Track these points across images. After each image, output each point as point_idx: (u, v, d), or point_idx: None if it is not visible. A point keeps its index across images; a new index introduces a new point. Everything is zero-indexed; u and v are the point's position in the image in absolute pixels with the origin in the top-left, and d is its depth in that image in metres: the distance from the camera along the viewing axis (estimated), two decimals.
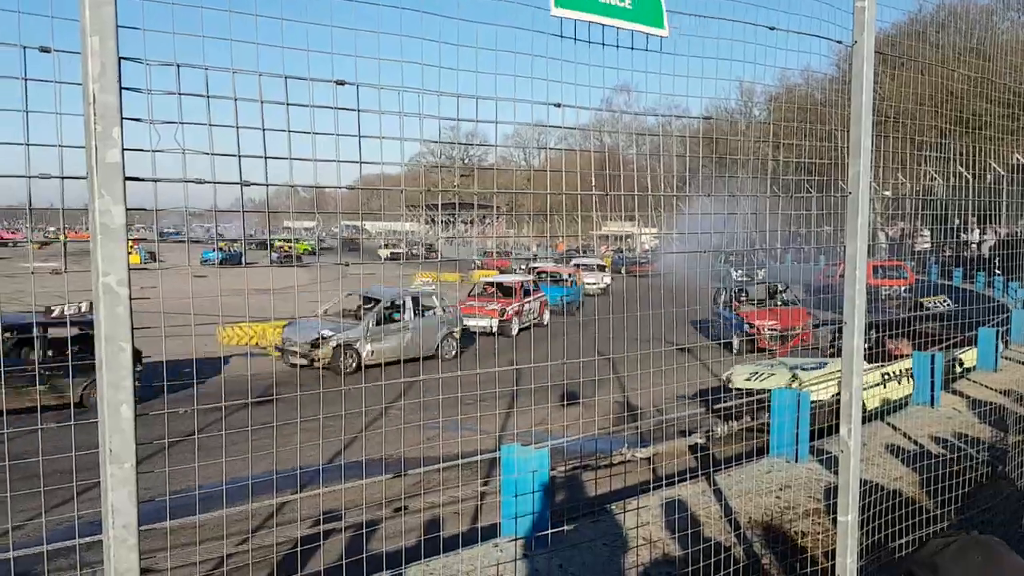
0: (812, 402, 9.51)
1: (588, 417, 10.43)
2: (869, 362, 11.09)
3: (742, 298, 20.96)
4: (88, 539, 5.61)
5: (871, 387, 10.59)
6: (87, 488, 6.78)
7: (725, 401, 10.97)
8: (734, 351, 17.07)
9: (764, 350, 16.67)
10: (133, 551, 2.02)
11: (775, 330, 17.89)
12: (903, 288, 20.43)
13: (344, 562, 4.71)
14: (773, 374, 11.45)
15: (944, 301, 17.45)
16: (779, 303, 19.66)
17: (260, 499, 6.52)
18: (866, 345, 11.49)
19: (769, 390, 10.42)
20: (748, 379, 11.55)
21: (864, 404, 8.42)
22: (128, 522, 2.02)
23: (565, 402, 11.78)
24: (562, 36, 3.37)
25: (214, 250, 42.09)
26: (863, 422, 7.15)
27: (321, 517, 6.22)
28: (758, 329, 18.11)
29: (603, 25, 2.96)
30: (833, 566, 5.31)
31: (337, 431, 8.61)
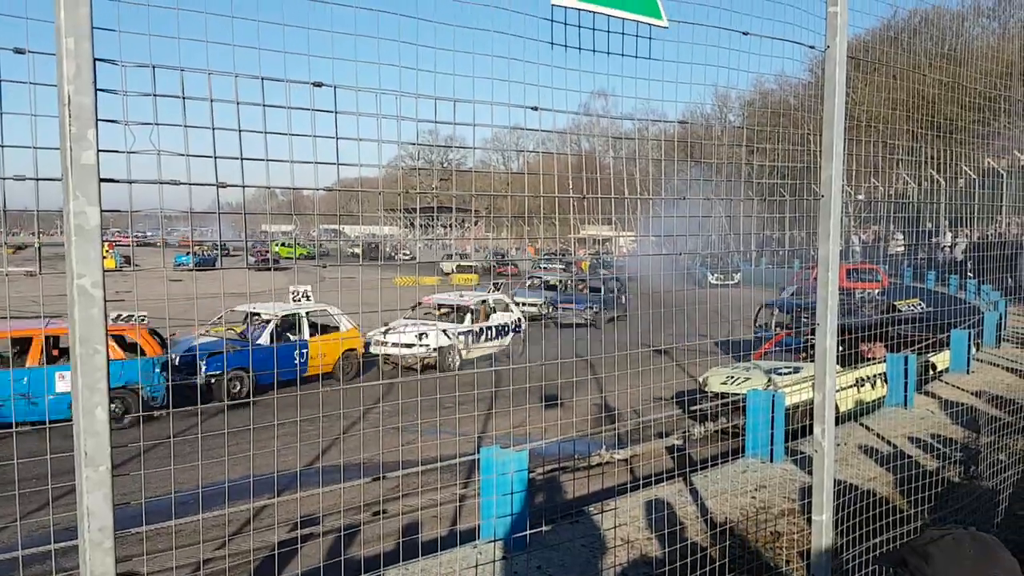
0: (787, 406, 9.58)
1: (567, 420, 10.46)
2: (843, 365, 11.16)
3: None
4: (64, 544, 5.56)
5: (843, 389, 10.67)
6: (64, 493, 6.72)
7: (701, 404, 11.02)
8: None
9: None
10: (109, 554, 2.01)
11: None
12: (877, 291, 20.47)
13: (322, 565, 4.70)
14: (749, 378, 11.52)
15: (918, 304, 17.57)
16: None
17: (237, 504, 6.48)
18: (839, 348, 11.62)
19: (744, 393, 10.51)
20: (724, 382, 11.62)
21: (837, 405, 8.49)
22: (104, 525, 2.01)
23: (543, 403, 11.81)
24: (539, 40, 3.40)
25: (188, 254, 41.85)
26: (837, 423, 7.23)
27: (299, 521, 6.20)
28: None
29: (604, 15, 2.96)
30: (808, 565, 5.37)
31: (315, 436, 8.58)
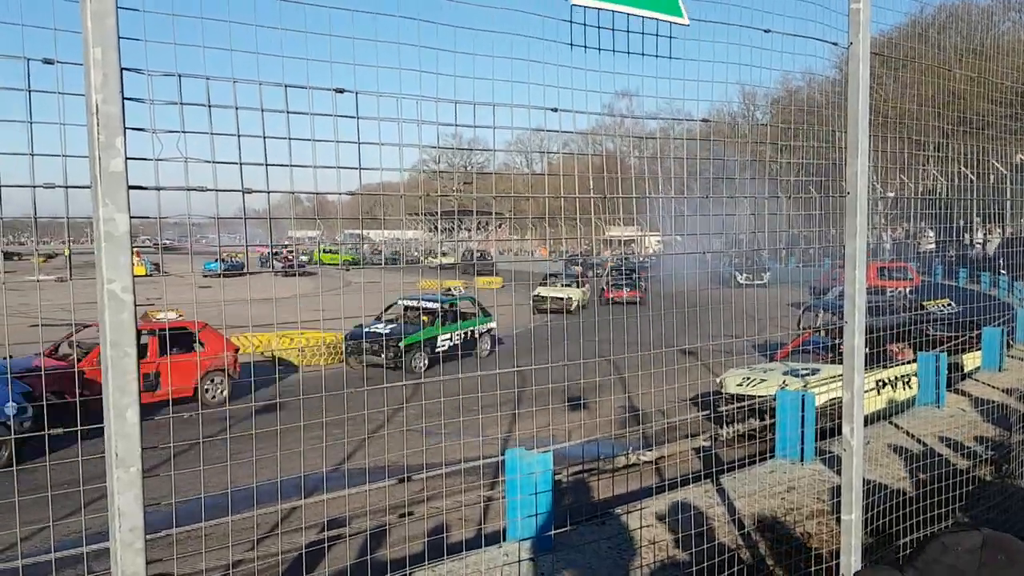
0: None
1: (592, 421, 10.44)
2: (868, 366, 10.95)
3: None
4: (95, 547, 5.65)
5: (865, 392, 10.47)
6: (97, 498, 6.81)
7: (717, 406, 10.94)
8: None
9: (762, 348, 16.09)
10: (140, 555, 2.05)
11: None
12: (907, 289, 19.98)
13: (348, 565, 4.74)
14: (765, 379, 11.36)
15: (948, 305, 17.29)
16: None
17: (266, 506, 6.54)
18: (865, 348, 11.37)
19: (760, 396, 10.44)
20: (740, 384, 11.48)
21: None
22: (135, 525, 2.04)
23: (567, 404, 11.80)
24: (559, 41, 3.41)
25: (216, 260, 42.17)
26: (864, 424, 7.16)
27: (326, 523, 6.24)
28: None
29: (623, 14, 2.96)
30: (838, 565, 5.32)
31: (341, 438, 8.63)
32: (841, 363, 10.15)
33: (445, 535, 6.27)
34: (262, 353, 19.75)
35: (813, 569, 5.28)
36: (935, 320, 14.15)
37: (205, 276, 41.97)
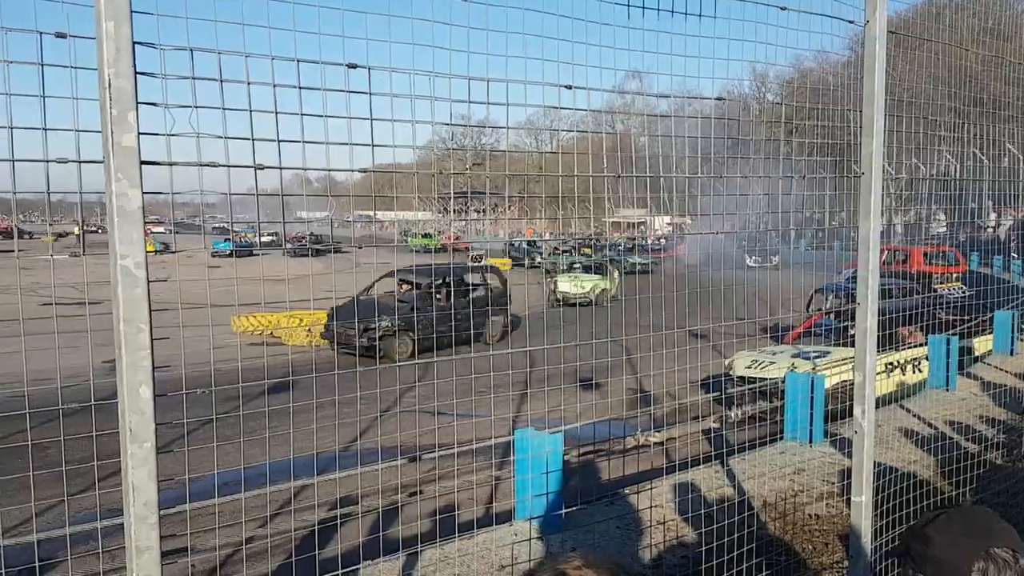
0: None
1: (602, 403, 10.45)
2: (879, 349, 10.88)
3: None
4: (106, 522, 5.69)
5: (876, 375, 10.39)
6: (111, 473, 6.87)
7: (726, 389, 10.93)
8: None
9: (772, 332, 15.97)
10: (154, 529, 2.06)
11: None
12: (954, 276, 18.89)
13: (361, 542, 4.77)
14: (774, 362, 11.33)
15: (959, 287, 17.15)
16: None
17: (277, 483, 6.59)
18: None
19: (769, 378, 10.42)
20: (749, 367, 11.45)
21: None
22: (148, 500, 2.05)
23: (578, 385, 11.81)
24: (573, 17, 3.38)
25: (226, 240, 42.08)
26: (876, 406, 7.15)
27: (338, 499, 6.28)
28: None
29: None
30: (846, 547, 5.33)
31: (351, 417, 8.67)
32: (850, 346, 10.21)
33: (456, 513, 6.30)
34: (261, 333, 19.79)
35: (823, 551, 5.29)
36: (946, 303, 14.05)
37: (213, 255, 41.98)
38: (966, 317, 12.44)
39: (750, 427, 9.92)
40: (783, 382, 9.78)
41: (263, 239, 43.11)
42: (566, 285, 26.10)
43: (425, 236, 41.49)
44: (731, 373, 11.52)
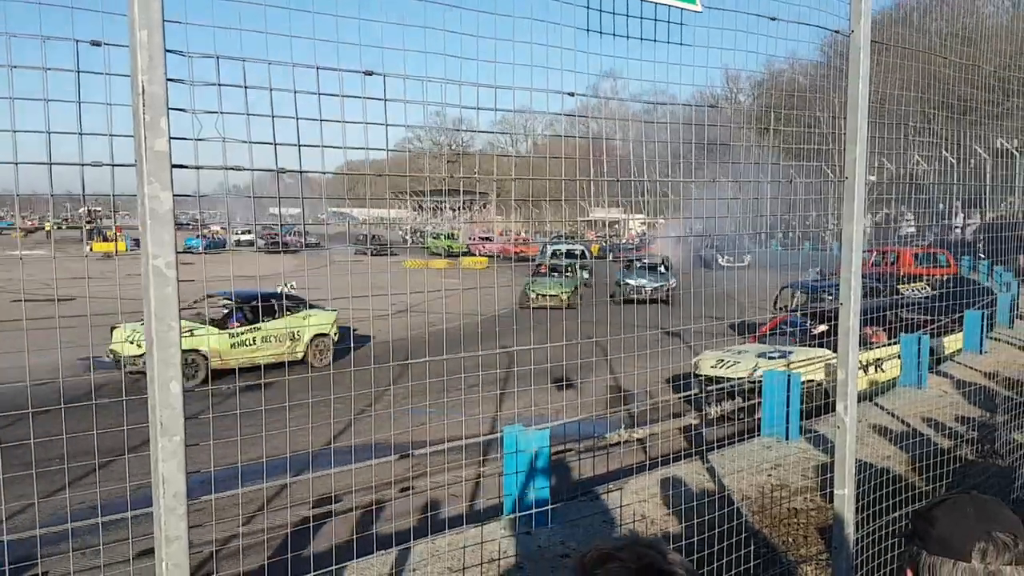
0: None
1: (579, 402, 10.58)
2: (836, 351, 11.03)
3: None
4: (83, 522, 5.70)
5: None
6: (84, 474, 6.85)
7: (693, 387, 11.11)
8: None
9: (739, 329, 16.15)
10: (183, 520, 2.13)
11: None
12: (946, 278, 18.61)
13: (355, 538, 4.85)
14: (739, 361, 11.43)
15: (923, 288, 17.41)
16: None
17: (255, 482, 6.62)
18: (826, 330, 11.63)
19: (733, 377, 10.62)
20: (715, 366, 11.54)
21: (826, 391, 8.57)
22: (177, 491, 2.13)
23: (551, 384, 11.91)
24: (563, 24, 3.47)
25: (197, 237, 41.63)
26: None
27: (333, 494, 6.34)
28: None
29: (642, 0, 3.03)
30: (826, 540, 5.49)
31: (328, 416, 8.69)
32: (815, 347, 10.35)
33: (446, 509, 6.39)
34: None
35: (802, 544, 5.45)
36: (910, 304, 14.31)
37: (185, 252, 41.37)
38: (930, 318, 12.71)
39: (728, 424, 10.11)
40: (748, 381, 10.09)
41: (244, 236, 42.46)
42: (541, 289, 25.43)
43: (449, 237, 38.84)
44: (697, 372, 11.61)
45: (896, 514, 5.49)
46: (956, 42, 10.49)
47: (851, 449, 4.02)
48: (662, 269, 26.20)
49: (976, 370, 10.72)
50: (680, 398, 11.27)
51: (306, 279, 20.63)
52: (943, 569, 1.67)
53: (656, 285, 24.39)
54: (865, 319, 12.09)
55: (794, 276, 18.24)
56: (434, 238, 37.35)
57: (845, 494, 3.98)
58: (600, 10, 3.53)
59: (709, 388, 10.57)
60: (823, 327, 12.81)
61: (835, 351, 10.84)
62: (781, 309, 17.08)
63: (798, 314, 15.87)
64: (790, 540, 5.69)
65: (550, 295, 25.13)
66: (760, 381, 10.29)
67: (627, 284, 24.90)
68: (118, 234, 46.97)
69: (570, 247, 30.66)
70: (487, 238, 43.83)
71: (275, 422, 5.72)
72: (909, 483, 6.02)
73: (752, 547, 5.26)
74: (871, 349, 11.26)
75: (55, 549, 6.35)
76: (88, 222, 48.04)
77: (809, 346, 11.93)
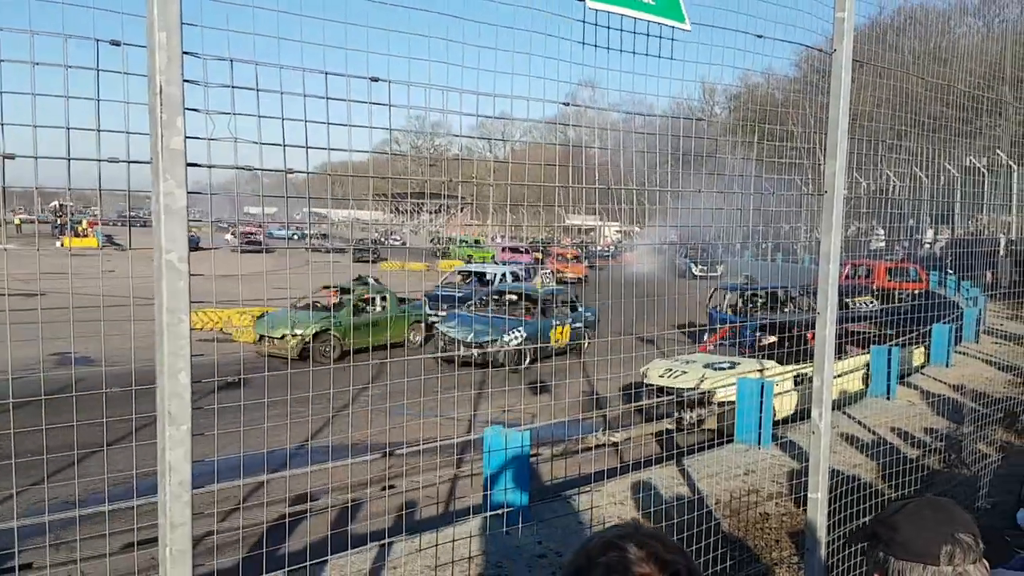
0: (722, 402, 9.99)
1: (556, 405, 10.68)
2: (787, 362, 11.28)
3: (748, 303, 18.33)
4: (58, 516, 5.72)
5: (783, 394, 10.54)
6: (60, 468, 6.83)
7: (641, 396, 11.23)
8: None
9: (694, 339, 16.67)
10: (187, 507, 2.20)
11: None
12: (917, 292, 18.82)
13: (329, 535, 4.90)
14: (686, 371, 11.53)
15: (870, 302, 17.68)
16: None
17: (231, 480, 6.64)
18: (774, 342, 11.83)
19: (679, 387, 10.80)
20: (663, 375, 11.64)
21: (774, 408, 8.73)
22: (183, 479, 2.19)
23: (524, 387, 12.02)
24: (561, 37, 3.58)
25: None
26: (787, 422, 7.49)
27: (309, 492, 6.38)
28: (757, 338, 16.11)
29: (633, 18, 3.13)
30: (796, 544, 5.62)
31: (306, 416, 8.72)
32: (763, 359, 10.48)
33: (421, 509, 6.45)
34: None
35: (773, 547, 5.57)
36: (857, 317, 14.57)
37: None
38: (876, 331, 12.98)
39: (700, 430, 10.27)
40: (692, 391, 10.34)
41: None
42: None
43: (475, 243, 35.98)
44: (647, 381, 11.69)
45: (864, 520, 5.64)
46: (929, 61, 10.76)
47: (825, 454, 4.14)
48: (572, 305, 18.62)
49: (943, 382, 10.96)
50: (666, 402, 11.41)
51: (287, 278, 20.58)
52: (913, 574, 1.77)
53: (517, 340, 15.55)
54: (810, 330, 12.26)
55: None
56: (460, 245, 34.94)
57: (819, 498, 4.11)
58: (583, 21, 3.65)
59: (659, 398, 10.69)
60: (772, 338, 13.24)
61: (780, 362, 11.06)
62: (714, 308, 18.62)
63: (728, 311, 17.76)
64: (762, 543, 5.82)
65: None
66: (707, 392, 10.58)
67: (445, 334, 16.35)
68: (91, 229, 46.45)
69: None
70: (517, 248, 34.56)
71: (252, 420, 5.75)
72: (878, 490, 6.19)
73: (724, 549, 5.39)
74: (810, 364, 11.16)
75: (31, 543, 6.35)
76: (59, 217, 47.47)
77: (758, 358, 12.26)
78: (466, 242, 36.98)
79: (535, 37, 3.49)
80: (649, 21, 3.19)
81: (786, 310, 17.62)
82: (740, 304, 18.34)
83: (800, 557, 5.42)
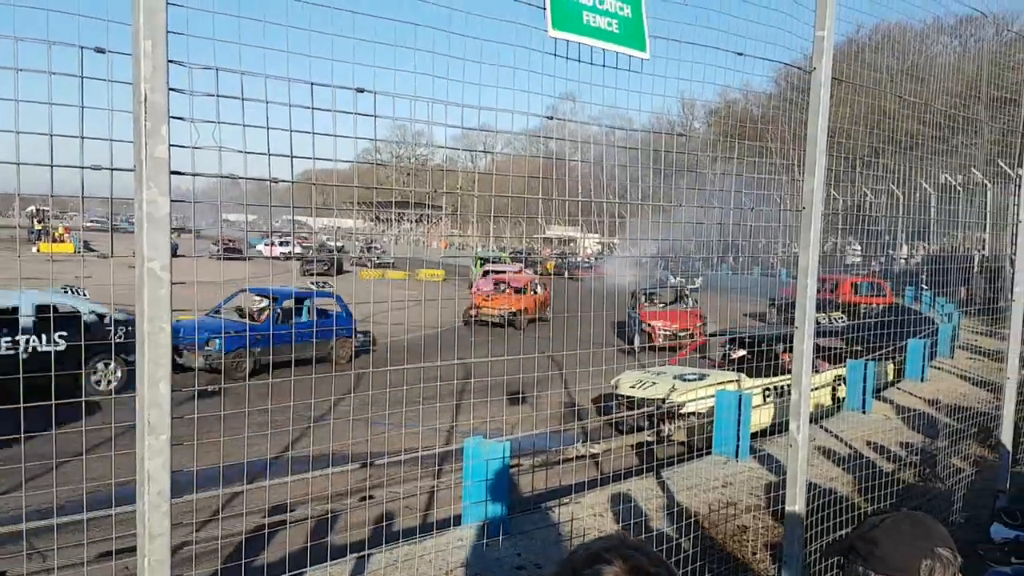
0: (691, 413, 10.21)
1: (532, 416, 10.68)
2: (756, 375, 11.41)
3: (653, 300, 22.35)
4: (37, 522, 5.64)
5: (758, 407, 10.57)
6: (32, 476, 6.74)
7: (612, 407, 11.34)
8: (636, 351, 17.49)
9: (664, 349, 18.09)
10: (166, 517, 2.18)
11: (668, 330, 20.26)
12: (882, 307, 19.20)
13: (309, 545, 4.87)
14: (656, 382, 11.61)
15: (839, 318, 17.93)
16: (685, 306, 21.43)
17: (207, 489, 6.59)
18: (747, 355, 12.04)
19: (649, 398, 10.90)
20: (633, 386, 11.70)
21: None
22: (162, 489, 2.18)
23: (506, 397, 11.99)
24: (541, 50, 3.61)
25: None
26: (763, 435, 7.56)
27: (289, 502, 6.34)
28: (653, 329, 20.30)
29: (592, 47, 3.18)
30: (772, 556, 5.65)
31: (284, 426, 8.66)
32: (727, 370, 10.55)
33: (401, 520, 6.43)
34: None
35: (750, 560, 5.60)
36: (827, 332, 14.75)
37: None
38: (844, 347, 13.16)
39: (679, 442, 10.31)
40: (663, 402, 10.43)
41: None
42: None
43: (495, 260, 32.59)
44: (618, 392, 11.76)
45: (840, 533, 5.68)
46: (906, 79, 10.90)
47: (803, 467, 4.18)
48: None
49: (918, 397, 11.07)
50: (604, 420, 11.54)
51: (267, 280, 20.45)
52: None
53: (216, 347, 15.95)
54: (789, 347, 12.35)
55: (743, 299, 18.89)
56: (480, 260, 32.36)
57: (796, 511, 4.14)
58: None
59: (630, 410, 10.77)
60: (742, 352, 13.45)
61: (749, 375, 11.21)
62: (632, 307, 21.15)
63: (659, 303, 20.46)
64: (740, 556, 5.84)
65: None
66: (676, 404, 10.67)
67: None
68: (66, 235, 46.08)
69: None
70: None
71: (231, 429, 5.72)
72: (854, 504, 6.23)
73: (703, 562, 5.41)
74: (780, 376, 11.27)
75: (4, 551, 6.27)
76: (39, 222, 47.05)
77: (729, 370, 12.41)
78: (487, 259, 34.70)
79: (519, 51, 3.52)
80: (606, 50, 3.23)
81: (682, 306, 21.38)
82: (644, 302, 21.43)
83: (778, 570, 5.45)
